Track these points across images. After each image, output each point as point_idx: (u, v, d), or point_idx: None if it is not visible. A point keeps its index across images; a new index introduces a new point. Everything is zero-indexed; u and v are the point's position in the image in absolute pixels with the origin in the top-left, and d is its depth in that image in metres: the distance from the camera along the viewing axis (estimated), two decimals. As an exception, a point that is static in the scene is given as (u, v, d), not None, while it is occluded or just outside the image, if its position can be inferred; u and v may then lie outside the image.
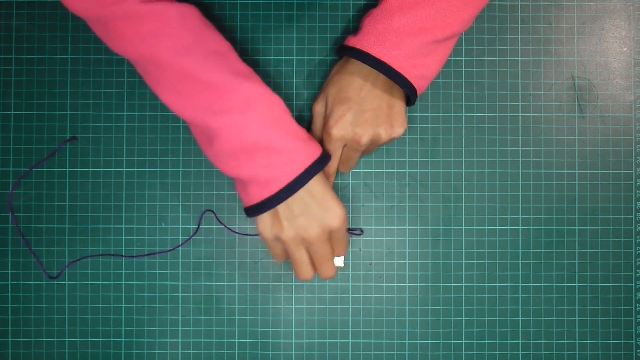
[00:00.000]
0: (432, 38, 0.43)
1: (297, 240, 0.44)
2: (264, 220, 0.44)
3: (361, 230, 0.52)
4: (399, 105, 0.46)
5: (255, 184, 0.42)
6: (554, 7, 0.53)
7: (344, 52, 0.46)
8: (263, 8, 0.53)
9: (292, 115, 0.44)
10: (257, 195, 0.43)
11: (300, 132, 0.43)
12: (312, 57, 0.53)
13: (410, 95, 0.45)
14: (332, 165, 0.48)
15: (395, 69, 0.43)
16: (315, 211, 0.43)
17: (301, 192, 0.43)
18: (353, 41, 0.45)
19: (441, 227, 0.53)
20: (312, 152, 0.43)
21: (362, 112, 0.45)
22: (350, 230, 0.52)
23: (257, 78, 0.43)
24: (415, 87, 0.45)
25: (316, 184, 0.43)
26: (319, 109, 0.48)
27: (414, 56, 0.43)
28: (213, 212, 0.52)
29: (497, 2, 0.53)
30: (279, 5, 0.53)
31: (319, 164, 0.43)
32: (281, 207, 0.43)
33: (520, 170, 0.53)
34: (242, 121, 0.41)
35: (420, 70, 0.44)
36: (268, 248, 0.46)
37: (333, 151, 0.47)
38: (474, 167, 0.53)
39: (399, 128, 0.47)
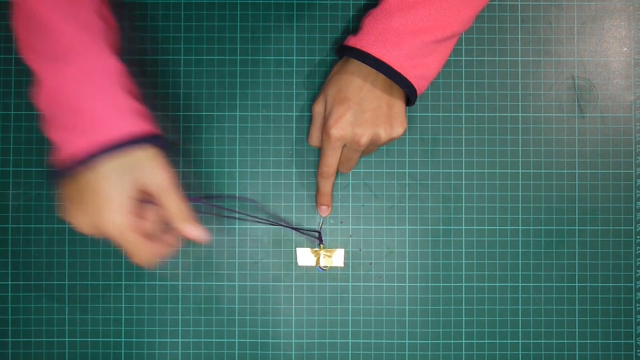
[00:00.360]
0: (432, 38, 0.43)
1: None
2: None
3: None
4: (399, 105, 0.46)
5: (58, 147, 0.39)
6: (554, 7, 0.53)
7: (343, 52, 0.46)
8: (263, 8, 0.53)
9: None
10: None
11: (129, 102, 0.39)
12: (312, 57, 0.53)
13: (410, 95, 0.45)
14: (332, 166, 0.48)
15: (395, 69, 0.43)
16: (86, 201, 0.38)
17: (88, 174, 0.38)
18: (353, 41, 0.45)
19: (441, 227, 0.53)
20: (119, 130, 0.38)
21: (361, 112, 0.45)
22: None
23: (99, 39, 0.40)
24: (415, 87, 0.45)
25: (100, 173, 0.38)
26: (318, 109, 0.48)
27: (414, 56, 0.43)
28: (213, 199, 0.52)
29: (497, 2, 0.53)
30: (279, 5, 0.53)
31: (105, 152, 0.37)
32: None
33: (520, 170, 0.53)
34: (59, 70, 0.38)
35: (421, 70, 0.44)
36: None
37: (332, 151, 0.47)
38: (474, 167, 0.53)
39: (398, 128, 0.46)
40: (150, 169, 0.39)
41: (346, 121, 0.45)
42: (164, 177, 0.40)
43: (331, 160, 0.47)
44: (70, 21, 0.38)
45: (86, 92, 0.38)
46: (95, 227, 0.38)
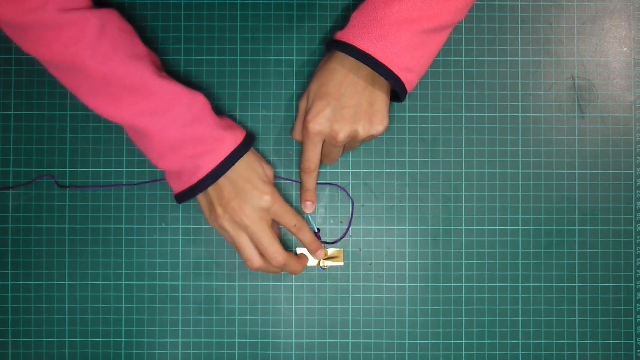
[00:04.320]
0: (419, 28, 0.43)
1: (234, 224, 0.46)
2: (203, 207, 0.47)
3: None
4: (381, 102, 0.46)
5: (185, 173, 0.45)
6: (554, 7, 0.53)
7: (330, 46, 0.46)
8: (263, 8, 0.53)
9: (214, 108, 0.47)
10: (186, 182, 0.45)
11: (222, 121, 0.46)
12: (312, 57, 0.53)
13: (398, 90, 0.45)
14: (313, 160, 0.47)
15: (380, 60, 0.43)
16: (243, 193, 0.45)
17: (229, 175, 0.45)
18: (339, 34, 0.45)
19: (441, 227, 0.53)
20: (235, 138, 0.45)
21: (340, 109, 0.45)
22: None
23: (174, 80, 0.45)
24: (402, 79, 0.44)
25: (243, 167, 0.46)
26: (302, 104, 0.48)
27: (400, 48, 0.43)
28: (52, 176, 0.52)
29: (497, 2, 0.53)
30: (279, 5, 0.53)
31: (243, 148, 0.46)
32: (212, 193, 0.46)
33: (520, 170, 0.53)
34: (165, 120, 0.43)
35: (407, 62, 0.44)
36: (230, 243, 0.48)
37: (312, 145, 0.47)
38: (474, 167, 0.53)
39: (378, 125, 0.46)
40: (259, 162, 0.48)
41: (324, 116, 0.45)
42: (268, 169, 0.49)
43: (311, 155, 0.47)
44: (150, 76, 0.44)
45: (194, 125, 0.44)
46: (251, 209, 0.45)
